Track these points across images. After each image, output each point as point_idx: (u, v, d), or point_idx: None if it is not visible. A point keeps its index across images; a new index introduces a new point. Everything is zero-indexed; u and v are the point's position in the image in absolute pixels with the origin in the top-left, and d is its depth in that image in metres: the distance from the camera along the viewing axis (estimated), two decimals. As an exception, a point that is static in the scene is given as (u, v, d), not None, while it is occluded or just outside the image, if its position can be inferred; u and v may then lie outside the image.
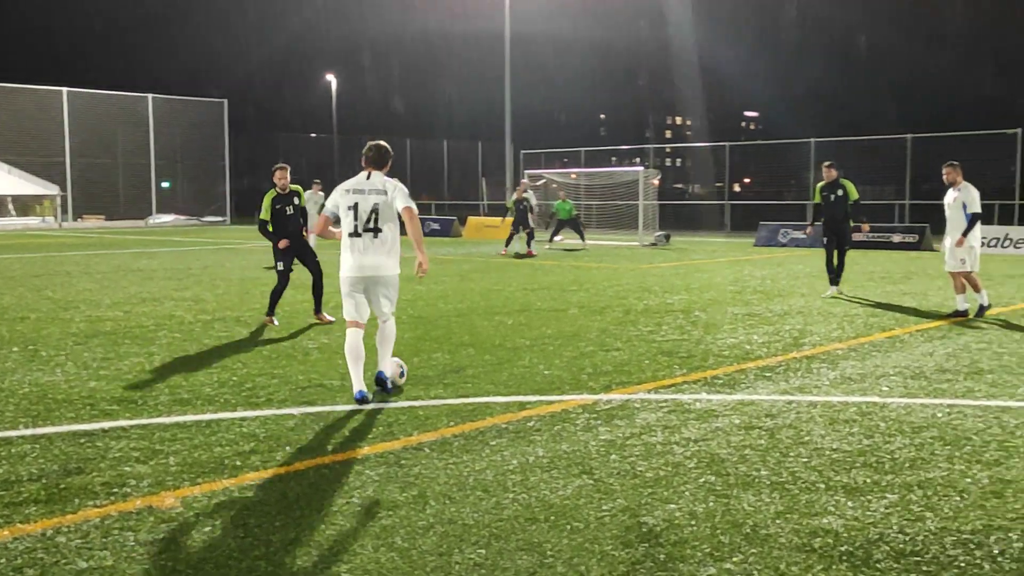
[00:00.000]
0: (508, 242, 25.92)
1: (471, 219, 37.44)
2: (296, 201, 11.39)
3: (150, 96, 54.12)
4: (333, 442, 6.19)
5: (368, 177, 7.33)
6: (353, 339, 7.28)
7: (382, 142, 7.48)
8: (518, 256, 24.60)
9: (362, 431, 6.47)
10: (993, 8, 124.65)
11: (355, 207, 7.25)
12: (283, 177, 11.41)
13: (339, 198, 7.38)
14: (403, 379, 7.77)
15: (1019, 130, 32.51)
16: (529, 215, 25.68)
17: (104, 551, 4.34)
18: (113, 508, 4.91)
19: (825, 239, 14.70)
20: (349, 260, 7.32)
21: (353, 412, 6.98)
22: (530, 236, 25.91)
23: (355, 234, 7.27)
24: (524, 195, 26.01)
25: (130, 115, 53.63)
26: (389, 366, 7.59)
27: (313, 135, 72.79)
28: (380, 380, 7.56)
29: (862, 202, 14.71)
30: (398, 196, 7.23)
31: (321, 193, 23.66)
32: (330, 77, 67.60)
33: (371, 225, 7.23)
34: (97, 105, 52.25)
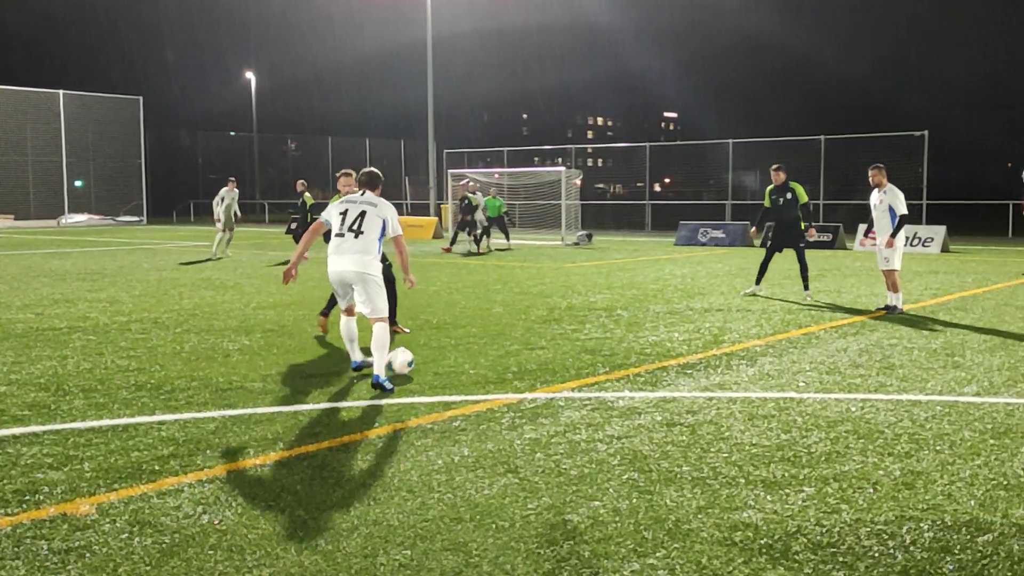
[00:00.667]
0: (453, 241, 26.00)
1: (394, 219, 37.21)
2: None
3: (61, 92, 52.45)
4: (255, 445, 6.10)
5: (363, 194, 8.20)
6: (345, 324, 8.34)
7: (374, 168, 8.45)
8: (462, 253, 24.53)
9: (285, 433, 6.40)
10: (902, 15, 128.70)
11: (345, 212, 8.06)
12: (348, 184, 10.98)
13: (333, 207, 8.24)
14: (411, 367, 8.30)
15: (926, 132, 33.63)
16: (473, 215, 25.71)
17: (16, 560, 4.21)
18: (25, 516, 4.77)
19: (769, 242, 14.65)
20: (332, 259, 8.02)
21: (275, 414, 6.89)
22: (480, 235, 25.98)
23: (339, 234, 8.00)
24: (468, 195, 26.03)
25: (40, 112, 51.87)
26: (384, 370, 7.75)
27: (232, 133, 71.53)
28: (376, 384, 7.57)
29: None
30: (390, 219, 8.05)
31: (237, 190, 23.32)
32: (249, 75, 66.56)
33: (355, 227, 7.95)
34: (5, 101, 50.47)
